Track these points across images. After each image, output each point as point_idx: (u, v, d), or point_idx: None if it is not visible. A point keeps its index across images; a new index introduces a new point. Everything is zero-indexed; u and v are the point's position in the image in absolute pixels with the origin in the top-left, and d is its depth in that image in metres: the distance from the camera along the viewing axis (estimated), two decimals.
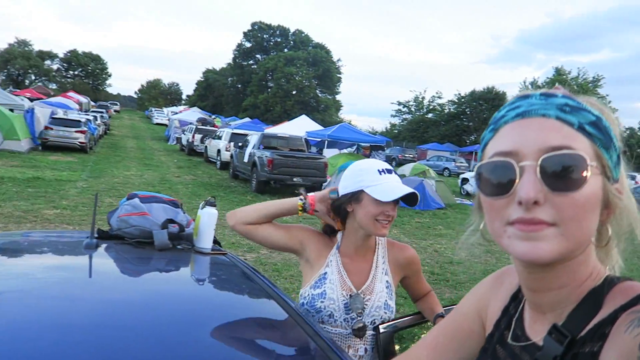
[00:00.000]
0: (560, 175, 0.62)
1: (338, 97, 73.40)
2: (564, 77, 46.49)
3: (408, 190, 1.57)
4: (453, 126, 53.80)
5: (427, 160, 32.98)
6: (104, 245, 1.67)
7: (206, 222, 1.84)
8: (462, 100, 55.24)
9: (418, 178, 14.62)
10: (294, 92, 63.99)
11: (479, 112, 53.66)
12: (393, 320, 1.67)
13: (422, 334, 1.82)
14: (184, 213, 1.92)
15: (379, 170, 1.61)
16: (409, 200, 1.59)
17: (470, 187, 18.55)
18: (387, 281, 1.69)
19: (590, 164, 0.62)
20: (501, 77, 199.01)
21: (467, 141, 52.60)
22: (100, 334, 1.02)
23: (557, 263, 0.66)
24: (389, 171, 1.63)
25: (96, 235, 1.68)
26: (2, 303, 1.11)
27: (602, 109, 0.69)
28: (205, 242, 1.82)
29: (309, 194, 1.69)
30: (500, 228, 0.67)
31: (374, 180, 1.58)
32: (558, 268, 0.67)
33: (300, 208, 1.66)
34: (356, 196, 1.59)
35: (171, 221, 1.78)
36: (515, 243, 0.65)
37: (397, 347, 1.72)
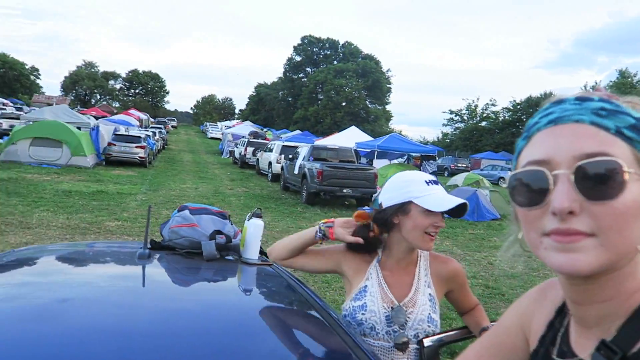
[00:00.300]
0: (596, 183, 0.59)
1: (388, 107, 73.13)
2: (629, 79, 43.99)
3: (459, 200, 1.53)
4: (508, 134, 52.01)
5: (481, 170, 32.06)
6: (156, 256, 1.75)
7: (252, 233, 1.89)
8: (518, 107, 53.46)
9: (471, 188, 14.25)
10: (343, 104, 64.31)
11: None
12: (438, 334, 1.64)
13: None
14: (232, 224, 1.98)
15: (426, 181, 1.59)
16: (456, 211, 1.55)
17: None
18: (430, 294, 1.65)
19: (628, 170, 0.59)
20: (560, 82, 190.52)
21: None
22: (152, 342, 1.07)
23: (600, 275, 0.63)
24: (436, 182, 1.61)
25: (149, 246, 1.76)
26: (68, 310, 1.20)
27: None
28: (252, 252, 1.87)
29: (331, 220, 1.71)
30: (536, 239, 0.65)
31: (423, 191, 1.56)
32: (602, 280, 0.64)
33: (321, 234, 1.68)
34: (404, 207, 1.57)
35: (219, 232, 1.83)
36: (551, 255, 0.62)
37: None
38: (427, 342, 1.59)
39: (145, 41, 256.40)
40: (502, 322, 0.91)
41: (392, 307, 1.60)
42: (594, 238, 0.60)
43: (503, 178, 29.60)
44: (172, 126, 62.69)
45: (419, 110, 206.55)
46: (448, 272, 1.71)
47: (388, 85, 71.12)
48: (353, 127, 24.70)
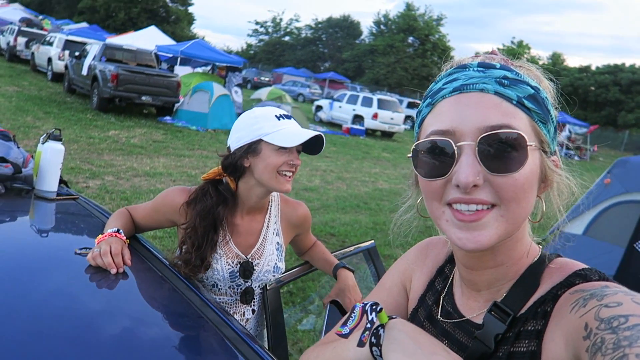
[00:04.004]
0: (499, 156, 0.59)
1: (190, 9, 67.94)
2: (413, 12, 49.09)
3: (313, 133, 1.40)
4: (309, 51, 54.15)
5: (283, 85, 32.88)
6: None
7: (49, 159, 1.56)
8: (319, 25, 55.60)
9: (275, 103, 14.54)
10: None
11: (334, 39, 54.68)
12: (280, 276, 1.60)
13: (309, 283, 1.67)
14: (19, 148, 1.59)
15: (276, 115, 1.43)
16: (312, 146, 1.43)
17: (324, 114, 19.15)
18: (277, 242, 1.58)
19: (529, 143, 0.60)
20: (357, 4, 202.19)
21: (322, 67, 53.68)
22: None
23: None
24: (288, 117, 1.46)
25: None
26: None
27: (538, 77, 0.67)
28: (49, 184, 1.55)
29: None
30: (438, 209, 0.64)
31: (274, 126, 1.40)
32: (496, 247, 0.66)
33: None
34: (254, 147, 1.40)
35: (3, 160, 1.45)
36: (453, 230, 0.62)
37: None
38: (269, 286, 1.55)
39: None
40: (383, 284, 0.90)
41: (239, 263, 1.49)
42: (496, 209, 0.60)
43: (302, 94, 31.05)
44: None
45: (223, 16, 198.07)
46: (298, 218, 1.64)
47: None
48: (153, 28, 22.36)
